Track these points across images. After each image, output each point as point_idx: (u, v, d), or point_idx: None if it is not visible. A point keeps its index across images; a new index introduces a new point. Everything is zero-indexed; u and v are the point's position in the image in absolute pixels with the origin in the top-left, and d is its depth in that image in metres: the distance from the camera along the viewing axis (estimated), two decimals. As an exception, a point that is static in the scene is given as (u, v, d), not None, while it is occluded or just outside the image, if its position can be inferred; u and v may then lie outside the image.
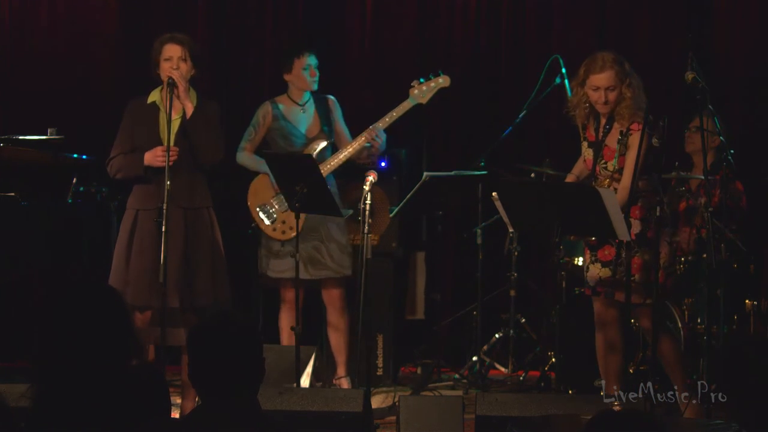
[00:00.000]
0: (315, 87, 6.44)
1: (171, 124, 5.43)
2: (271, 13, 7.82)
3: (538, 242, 7.34)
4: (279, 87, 6.59)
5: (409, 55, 7.76)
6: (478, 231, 6.86)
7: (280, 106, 6.46)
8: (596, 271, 5.46)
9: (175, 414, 5.36)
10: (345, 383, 6.36)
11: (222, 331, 2.88)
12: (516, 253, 6.94)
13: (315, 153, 6.27)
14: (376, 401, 6.16)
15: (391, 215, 6.60)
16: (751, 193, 6.66)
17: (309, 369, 5.88)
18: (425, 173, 6.32)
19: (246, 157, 6.45)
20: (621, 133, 5.38)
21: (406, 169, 7.00)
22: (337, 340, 6.45)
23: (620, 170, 5.37)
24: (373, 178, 5.67)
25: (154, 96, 5.62)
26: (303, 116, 6.44)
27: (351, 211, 6.22)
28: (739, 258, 6.41)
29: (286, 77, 6.47)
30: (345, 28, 7.83)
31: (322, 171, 6.14)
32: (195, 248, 5.51)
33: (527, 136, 7.52)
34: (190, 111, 5.49)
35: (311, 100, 6.47)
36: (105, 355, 2.88)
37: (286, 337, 6.32)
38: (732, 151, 5.97)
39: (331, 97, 6.53)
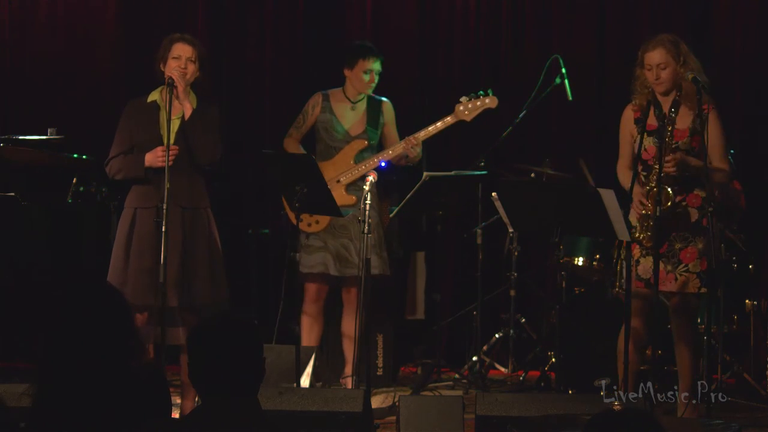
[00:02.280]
0: (370, 92, 6.42)
1: (170, 123, 5.42)
2: (271, 13, 7.81)
3: (538, 242, 7.34)
4: (279, 86, 6.58)
5: (409, 56, 7.75)
6: (478, 231, 6.86)
7: (331, 99, 6.45)
8: (649, 264, 5.36)
9: (175, 414, 5.36)
10: (351, 382, 6.34)
11: (222, 331, 2.88)
12: (516, 253, 6.94)
13: (355, 153, 6.29)
14: (376, 401, 6.15)
15: (391, 215, 6.59)
16: (751, 193, 6.66)
17: (309, 369, 5.87)
18: (425, 173, 6.31)
19: (290, 145, 6.43)
20: (696, 112, 5.33)
21: (406, 170, 6.99)
22: (349, 343, 6.42)
23: (692, 149, 5.35)
24: (373, 178, 5.67)
25: (154, 95, 5.62)
26: (350, 114, 6.42)
27: (351, 211, 6.21)
28: (739, 258, 6.41)
29: (346, 73, 6.42)
30: (345, 31, 7.82)
31: (357, 171, 6.18)
32: (193, 247, 5.51)
33: (527, 136, 7.51)
34: (188, 112, 5.49)
35: (364, 101, 6.45)
36: (106, 355, 2.88)
37: (306, 338, 6.29)
38: (732, 151, 5.96)
39: (386, 100, 6.50)
